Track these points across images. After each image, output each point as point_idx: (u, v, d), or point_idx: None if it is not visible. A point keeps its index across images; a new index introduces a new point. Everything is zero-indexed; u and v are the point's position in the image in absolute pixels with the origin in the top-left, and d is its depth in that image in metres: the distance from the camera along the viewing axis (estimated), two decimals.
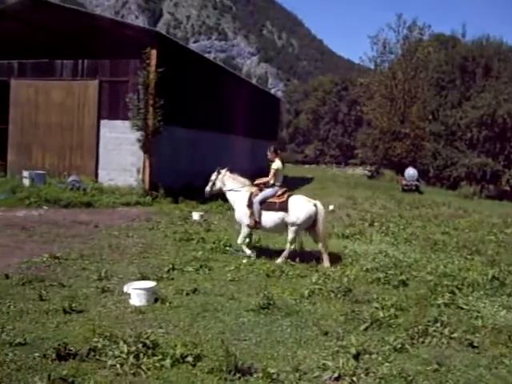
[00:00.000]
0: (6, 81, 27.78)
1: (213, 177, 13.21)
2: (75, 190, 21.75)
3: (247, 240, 12.66)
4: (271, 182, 12.36)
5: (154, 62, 24.37)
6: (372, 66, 60.83)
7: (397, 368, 6.35)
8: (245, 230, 12.48)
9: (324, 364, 6.30)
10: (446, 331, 7.53)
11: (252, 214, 12.18)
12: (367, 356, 6.63)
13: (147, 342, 6.41)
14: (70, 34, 29.76)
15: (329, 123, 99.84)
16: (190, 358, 6.19)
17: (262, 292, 8.74)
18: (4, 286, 8.99)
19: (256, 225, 12.28)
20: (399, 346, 6.98)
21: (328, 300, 9.00)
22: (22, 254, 11.65)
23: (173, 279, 9.90)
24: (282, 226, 12.18)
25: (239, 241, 12.53)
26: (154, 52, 24.44)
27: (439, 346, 7.18)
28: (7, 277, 9.43)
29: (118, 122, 25.14)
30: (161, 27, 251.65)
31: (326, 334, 7.38)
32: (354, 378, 5.96)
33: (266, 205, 12.08)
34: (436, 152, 51.50)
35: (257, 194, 12.26)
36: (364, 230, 17.26)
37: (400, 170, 48.34)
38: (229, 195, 13.12)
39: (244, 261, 11.72)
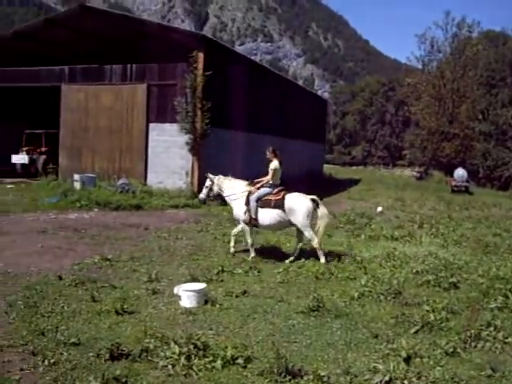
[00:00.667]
0: (57, 86, 28.32)
1: (207, 183, 13.35)
2: (125, 193, 22.05)
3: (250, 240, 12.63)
4: (270, 181, 12.62)
5: (201, 65, 24.55)
6: (419, 66, 60.18)
7: (449, 372, 6.23)
8: (245, 228, 12.61)
9: (374, 367, 6.23)
10: (500, 336, 7.36)
11: (248, 211, 12.40)
12: (418, 360, 6.52)
13: (198, 343, 6.44)
14: (119, 39, 30.25)
15: (376, 124, 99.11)
16: (240, 360, 6.21)
17: (312, 294, 8.70)
18: (57, 287, 9.16)
19: (251, 221, 12.43)
20: (451, 350, 6.83)
21: (378, 302, 8.93)
22: (74, 255, 11.90)
23: (222, 281, 9.96)
24: (280, 224, 12.54)
25: (249, 240, 12.57)
26: (200, 55, 24.62)
27: (493, 350, 7.00)
28: (60, 278, 9.61)
29: (167, 125, 25.41)
30: (207, 31, 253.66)
31: (376, 336, 7.31)
32: (406, 382, 5.87)
33: (261, 202, 12.35)
34: (486, 152, 50.66)
35: (254, 193, 12.53)
36: (413, 232, 17.04)
37: (449, 171, 47.62)
38: (226, 196, 13.25)
39: (249, 259, 12.09)
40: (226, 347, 6.43)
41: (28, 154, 32.20)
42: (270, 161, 12.81)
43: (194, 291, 8.43)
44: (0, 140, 32.06)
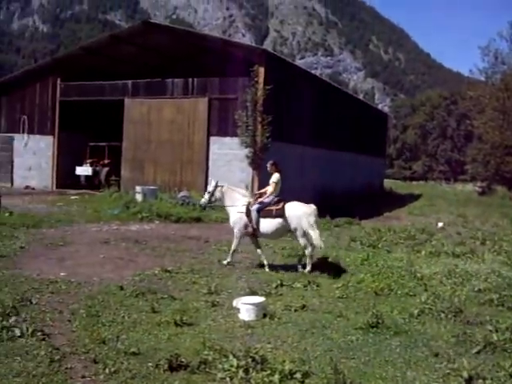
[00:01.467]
0: (120, 100, 28.93)
1: (210, 188, 13.19)
2: (185, 206, 22.30)
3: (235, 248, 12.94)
4: (270, 192, 12.90)
5: (261, 79, 24.71)
6: (483, 78, 58.83)
7: None
8: (238, 236, 12.87)
9: None
10: None
11: (250, 222, 12.56)
12: (480, 381, 6.29)
13: (256, 356, 6.43)
14: (181, 53, 30.81)
15: (437, 138, 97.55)
16: (298, 375, 6.16)
17: (371, 310, 8.61)
18: (119, 297, 9.32)
19: (254, 232, 12.64)
20: None
21: (438, 320, 8.74)
22: (135, 266, 12.11)
23: (281, 295, 9.93)
24: (280, 232, 12.81)
25: (233, 247, 12.87)
26: (261, 69, 24.80)
27: None
28: (122, 288, 9.77)
29: (227, 139, 25.65)
30: (267, 45, 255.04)
31: (436, 355, 7.15)
32: None
33: (263, 213, 12.55)
34: None
35: (254, 204, 12.67)
36: (475, 249, 16.65)
37: None
38: (227, 205, 13.25)
39: (224, 262, 12.60)
40: (284, 361, 6.40)
41: (91, 166, 32.98)
42: (271, 173, 13.18)
43: (253, 304, 8.45)
44: (65, 152, 32.94)
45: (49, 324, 7.71)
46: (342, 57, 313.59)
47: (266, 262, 12.48)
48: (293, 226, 12.40)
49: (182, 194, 23.83)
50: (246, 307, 8.42)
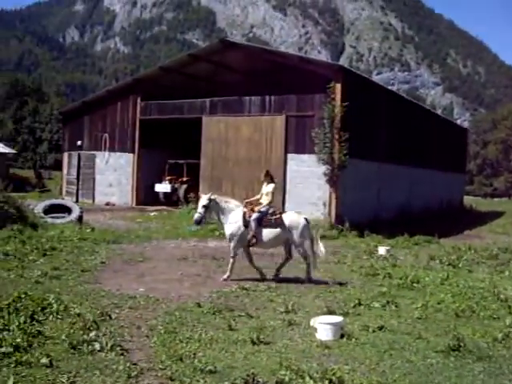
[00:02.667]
0: (198, 118, 29.36)
1: (204, 202, 12.76)
2: None
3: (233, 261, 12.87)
4: (267, 202, 13.01)
5: (338, 96, 24.60)
6: None
7: None
8: (236, 247, 12.87)
9: None
10: None
11: (249, 232, 12.62)
12: None
13: (333, 378, 6.30)
14: (258, 71, 31.03)
15: None
16: None
17: (451, 332, 8.32)
18: (196, 313, 9.36)
19: (251, 241, 12.72)
20: None
21: None
22: (212, 283, 12.18)
23: (359, 315, 9.76)
24: (278, 242, 13.08)
25: (231, 260, 12.82)
26: (338, 86, 24.70)
27: None
28: (199, 305, 9.81)
29: (305, 156, 25.61)
30: (343, 61, 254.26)
31: None
32: None
33: (262, 222, 12.68)
34: None
35: (250, 214, 12.69)
36: None
37: None
38: (222, 217, 13.05)
39: (224, 276, 12.53)
40: None
41: (170, 183, 33.55)
42: (265, 183, 13.34)
43: (331, 324, 8.32)
44: (144, 169, 33.67)
45: (127, 339, 7.81)
46: (420, 72, 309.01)
47: (228, 274, 12.64)
48: (294, 235, 12.73)
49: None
50: (323, 327, 8.30)
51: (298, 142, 26.19)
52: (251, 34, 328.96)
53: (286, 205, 25.96)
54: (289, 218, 12.94)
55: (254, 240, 12.70)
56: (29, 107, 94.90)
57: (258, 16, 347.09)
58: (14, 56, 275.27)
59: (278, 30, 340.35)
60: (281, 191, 26.22)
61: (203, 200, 12.69)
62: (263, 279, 12.62)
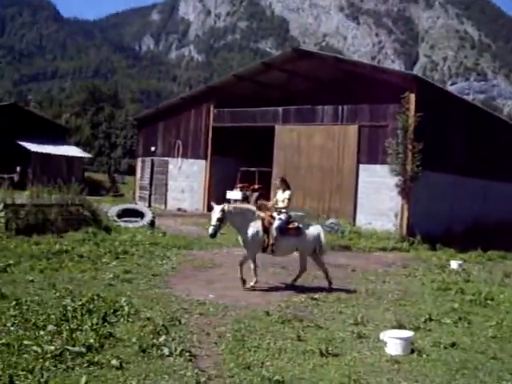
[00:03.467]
0: (271, 126, 29.45)
1: (218, 214, 12.07)
2: (333, 233, 22.19)
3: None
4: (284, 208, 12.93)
5: (412, 106, 24.25)
6: None
7: None
8: (253, 254, 12.66)
9: None
10: None
11: (270, 240, 12.45)
12: None
13: None
14: (330, 80, 30.96)
15: None
16: None
17: None
18: (265, 322, 9.35)
19: (269, 249, 12.57)
20: None
21: None
22: (281, 292, 12.18)
23: (430, 330, 9.53)
24: (292, 250, 13.26)
25: (252, 267, 12.60)
26: (412, 96, 24.35)
27: None
28: (268, 314, 9.80)
29: (377, 167, 25.33)
30: (417, 70, 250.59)
31: None
32: None
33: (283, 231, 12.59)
34: None
35: (270, 221, 12.57)
36: None
37: None
38: (240, 225, 12.65)
39: (250, 284, 12.35)
40: None
41: (242, 190, 33.69)
42: (281, 189, 13.30)
43: (401, 339, 8.15)
44: (216, 176, 33.99)
45: (196, 345, 7.85)
46: (497, 81, 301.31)
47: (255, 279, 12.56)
48: (312, 244, 12.95)
49: (330, 221, 23.77)
50: (393, 341, 8.14)
51: (370, 152, 25.93)
52: (324, 43, 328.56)
53: (357, 215, 25.75)
54: (307, 227, 13.07)
55: (274, 248, 12.60)
56: (105, 113, 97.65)
57: (330, 25, 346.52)
58: (92, 64, 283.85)
59: (351, 38, 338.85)
60: (352, 202, 26.04)
61: (217, 213, 12.08)
62: (244, 283, 12.39)
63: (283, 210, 12.91)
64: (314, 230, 13.20)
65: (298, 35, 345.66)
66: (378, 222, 24.79)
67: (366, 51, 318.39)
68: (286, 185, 13.26)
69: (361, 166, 26.18)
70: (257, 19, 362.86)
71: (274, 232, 12.44)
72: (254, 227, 12.42)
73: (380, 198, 25.22)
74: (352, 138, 26.51)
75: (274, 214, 12.83)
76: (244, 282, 12.36)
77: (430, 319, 10.17)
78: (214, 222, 12.05)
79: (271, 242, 12.45)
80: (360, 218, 25.72)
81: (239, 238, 12.81)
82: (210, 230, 12.10)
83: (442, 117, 26.41)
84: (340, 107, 27.25)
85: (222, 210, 12.08)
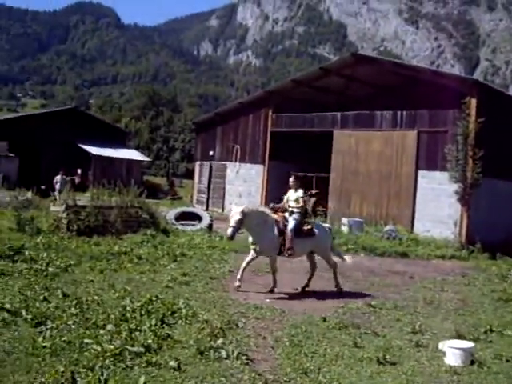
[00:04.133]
0: (329, 131, 29.36)
1: (238, 216, 11.80)
2: (391, 240, 21.96)
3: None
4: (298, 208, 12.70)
5: (473, 111, 23.81)
6: None
7: None
8: (275, 258, 12.46)
9: None
10: None
11: (287, 242, 12.18)
12: None
13: None
14: (389, 85, 30.67)
15: None
16: None
17: None
18: (321, 328, 9.33)
19: (291, 252, 12.28)
20: None
21: None
22: (338, 298, 12.10)
23: (490, 342, 9.31)
24: (306, 252, 12.92)
25: (273, 269, 12.57)
26: (473, 101, 23.93)
27: None
28: (325, 320, 9.77)
29: (436, 173, 24.95)
30: (478, 75, 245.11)
31: None
32: None
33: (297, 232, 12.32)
34: None
35: (284, 223, 12.32)
36: None
37: None
38: (258, 228, 12.27)
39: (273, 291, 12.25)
40: None
41: None
42: (293, 189, 13.07)
43: (461, 349, 7.98)
44: (274, 181, 34.00)
45: (253, 349, 7.89)
46: None
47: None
48: (325, 245, 12.94)
49: (388, 227, 23.52)
50: (452, 351, 7.99)
51: (429, 159, 25.54)
52: (382, 48, 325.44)
53: (415, 222, 25.41)
54: (319, 227, 13.06)
55: (292, 251, 12.34)
56: (163, 117, 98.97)
57: (389, 29, 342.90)
58: (152, 68, 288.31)
59: (410, 43, 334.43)
60: (410, 208, 25.71)
61: (236, 214, 11.84)
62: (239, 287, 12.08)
63: (296, 210, 12.69)
64: (324, 229, 13.26)
65: (355, 40, 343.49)
66: (437, 229, 24.39)
67: (425, 56, 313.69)
68: (298, 184, 13.17)
69: (419, 172, 25.81)
70: (314, 24, 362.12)
71: (289, 234, 12.23)
72: (270, 230, 12.20)
73: (439, 205, 24.82)
74: (411, 144, 26.18)
75: (286, 215, 12.65)
76: (272, 289, 12.40)
77: (491, 330, 9.93)
78: (233, 223, 11.81)
79: (288, 245, 12.21)
80: (418, 224, 25.36)
81: (250, 240, 12.51)
82: (229, 231, 11.85)
83: (505, 123, 25.77)
84: (399, 113, 26.96)
85: (242, 212, 11.85)
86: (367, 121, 28.25)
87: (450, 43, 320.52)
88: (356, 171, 28.23)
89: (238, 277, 12.18)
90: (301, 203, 12.80)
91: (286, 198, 13.24)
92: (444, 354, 8.14)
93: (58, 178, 31.37)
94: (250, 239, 12.42)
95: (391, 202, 26.46)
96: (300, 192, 12.93)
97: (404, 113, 26.80)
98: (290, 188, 13.26)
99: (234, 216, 11.84)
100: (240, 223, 11.82)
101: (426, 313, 11.20)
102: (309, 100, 33.28)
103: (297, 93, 33.54)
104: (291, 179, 13.32)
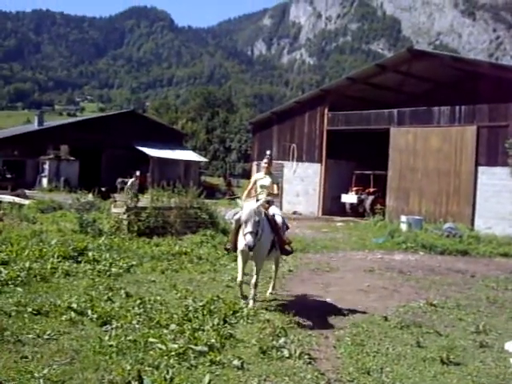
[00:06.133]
0: (386, 128, 29.12)
1: (256, 218, 9.34)
2: (451, 237, 21.60)
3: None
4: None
5: None
6: None
7: None
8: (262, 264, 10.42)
9: None
10: None
11: (284, 238, 10.55)
12: None
13: None
14: (446, 80, 30.20)
15: None
16: None
17: None
18: (383, 327, 9.24)
19: (290, 247, 10.94)
20: None
21: None
22: (399, 297, 11.94)
23: None
24: None
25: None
26: None
27: None
28: (386, 319, 9.68)
29: (497, 169, 24.48)
30: None
31: None
32: None
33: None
34: None
35: (273, 218, 10.17)
36: None
37: None
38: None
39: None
40: None
41: (357, 194, 33.51)
42: (266, 172, 10.74)
43: None
44: (331, 180, 33.96)
45: (315, 348, 7.88)
46: None
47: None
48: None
49: (447, 225, 23.13)
50: None
51: (489, 154, 25.06)
52: (437, 42, 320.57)
53: (476, 219, 24.96)
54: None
55: (291, 248, 11.00)
56: (219, 118, 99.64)
57: (444, 23, 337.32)
58: (206, 70, 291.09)
59: (467, 36, 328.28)
60: (470, 205, 25.26)
61: (252, 215, 9.36)
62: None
63: (270, 199, 10.47)
64: None
65: (410, 35, 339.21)
66: (499, 226, 23.89)
67: (483, 48, 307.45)
68: (271, 166, 10.94)
69: (479, 168, 25.37)
70: (368, 20, 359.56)
71: (284, 229, 10.58)
72: (267, 227, 9.89)
73: (500, 201, 24.33)
74: (470, 140, 25.74)
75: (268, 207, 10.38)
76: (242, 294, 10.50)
77: None
78: (251, 227, 9.25)
79: (287, 241, 10.76)
80: (479, 222, 24.91)
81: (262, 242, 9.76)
82: (250, 239, 9.14)
83: None
84: (457, 108, 26.53)
85: (259, 211, 9.52)
86: (425, 117, 27.91)
87: (510, 34, 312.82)
88: (414, 168, 27.92)
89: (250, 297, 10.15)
90: (276, 191, 10.63)
91: (252, 180, 11.02)
92: (511, 354, 7.98)
93: (132, 180, 32.24)
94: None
95: (450, 199, 26.06)
96: (274, 177, 10.74)
97: (462, 108, 26.36)
98: (262, 170, 10.92)
99: (250, 217, 9.29)
100: (258, 226, 9.41)
101: (489, 312, 10.95)
102: (365, 97, 33.08)
103: (352, 90, 33.37)
104: (265, 160, 10.79)
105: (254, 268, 10.13)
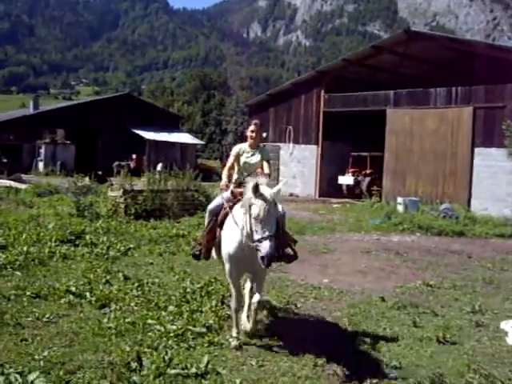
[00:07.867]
0: (382, 110, 29.10)
1: (275, 212, 6.63)
2: (447, 219, 21.66)
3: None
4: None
5: None
6: None
7: None
8: None
9: None
10: None
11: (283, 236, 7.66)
12: None
13: None
14: (443, 61, 30.15)
15: None
16: None
17: None
18: (380, 308, 9.30)
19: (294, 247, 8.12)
20: None
21: None
22: (396, 278, 12.02)
23: None
24: None
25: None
26: None
27: None
28: (383, 299, 9.74)
29: (493, 150, 24.52)
30: None
31: None
32: None
33: None
34: None
35: None
36: None
37: None
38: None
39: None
40: None
41: (353, 175, 33.57)
42: (253, 146, 7.84)
43: None
44: (327, 161, 33.97)
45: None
46: None
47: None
48: None
49: (443, 206, 23.20)
50: None
51: (485, 135, 25.08)
52: (434, 23, 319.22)
53: (472, 201, 25.03)
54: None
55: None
56: (215, 100, 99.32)
57: (441, 3, 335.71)
58: (202, 52, 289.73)
59: (463, 17, 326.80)
60: (466, 186, 25.32)
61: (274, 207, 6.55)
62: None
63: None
64: None
65: (406, 16, 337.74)
66: (495, 207, 23.96)
67: (480, 29, 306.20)
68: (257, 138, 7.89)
69: (476, 149, 25.40)
70: (364, 1, 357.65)
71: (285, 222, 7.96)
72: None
73: (496, 182, 24.39)
74: (466, 121, 25.75)
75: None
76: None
77: None
78: (272, 228, 6.35)
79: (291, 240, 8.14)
80: (475, 203, 24.98)
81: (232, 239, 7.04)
82: (271, 249, 6.13)
83: None
84: (454, 89, 26.52)
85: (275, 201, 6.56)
86: (421, 98, 27.89)
87: (507, 14, 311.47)
88: (410, 150, 27.96)
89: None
90: (267, 170, 7.61)
91: (233, 153, 7.89)
92: (506, 333, 8.04)
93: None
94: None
95: (447, 180, 26.13)
96: (267, 153, 8.05)
97: (459, 89, 26.35)
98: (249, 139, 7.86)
99: (269, 213, 6.32)
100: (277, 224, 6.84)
101: (485, 292, 11.02)
102: (361, 79, 33.01)
103: (349, 72, 33.30)
104: (251, 127, 7.85)
105: (254, 284, 7.51)
